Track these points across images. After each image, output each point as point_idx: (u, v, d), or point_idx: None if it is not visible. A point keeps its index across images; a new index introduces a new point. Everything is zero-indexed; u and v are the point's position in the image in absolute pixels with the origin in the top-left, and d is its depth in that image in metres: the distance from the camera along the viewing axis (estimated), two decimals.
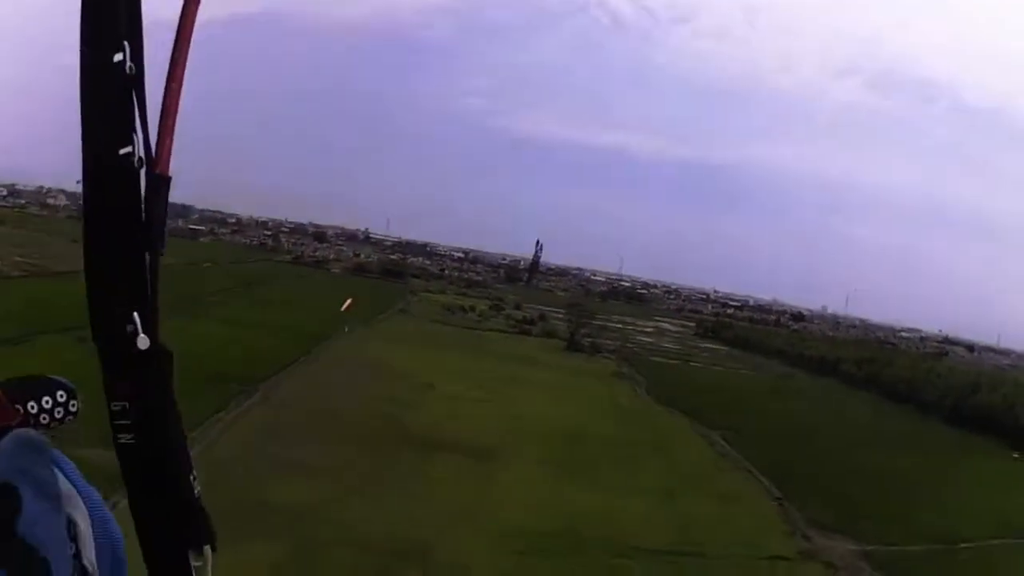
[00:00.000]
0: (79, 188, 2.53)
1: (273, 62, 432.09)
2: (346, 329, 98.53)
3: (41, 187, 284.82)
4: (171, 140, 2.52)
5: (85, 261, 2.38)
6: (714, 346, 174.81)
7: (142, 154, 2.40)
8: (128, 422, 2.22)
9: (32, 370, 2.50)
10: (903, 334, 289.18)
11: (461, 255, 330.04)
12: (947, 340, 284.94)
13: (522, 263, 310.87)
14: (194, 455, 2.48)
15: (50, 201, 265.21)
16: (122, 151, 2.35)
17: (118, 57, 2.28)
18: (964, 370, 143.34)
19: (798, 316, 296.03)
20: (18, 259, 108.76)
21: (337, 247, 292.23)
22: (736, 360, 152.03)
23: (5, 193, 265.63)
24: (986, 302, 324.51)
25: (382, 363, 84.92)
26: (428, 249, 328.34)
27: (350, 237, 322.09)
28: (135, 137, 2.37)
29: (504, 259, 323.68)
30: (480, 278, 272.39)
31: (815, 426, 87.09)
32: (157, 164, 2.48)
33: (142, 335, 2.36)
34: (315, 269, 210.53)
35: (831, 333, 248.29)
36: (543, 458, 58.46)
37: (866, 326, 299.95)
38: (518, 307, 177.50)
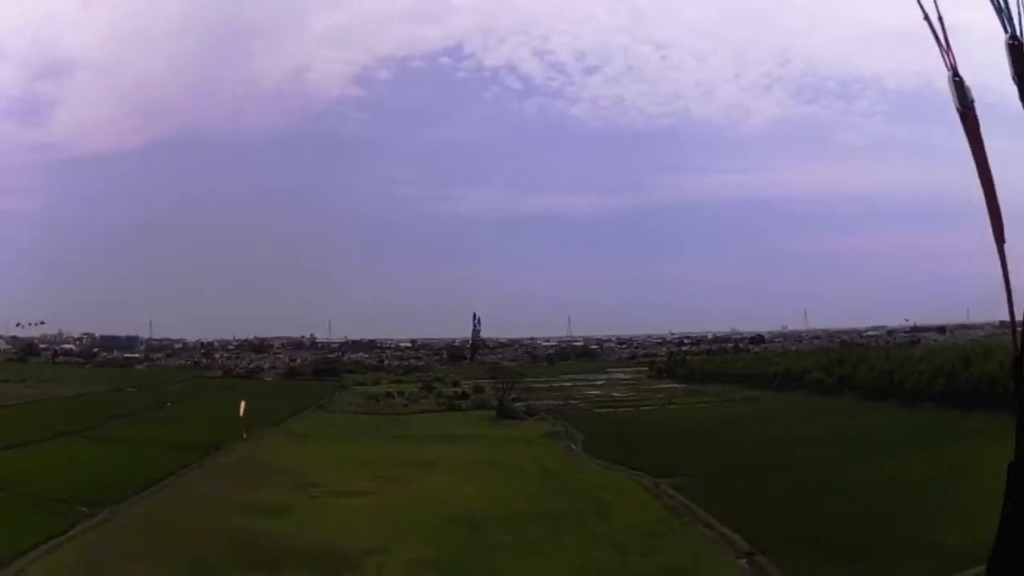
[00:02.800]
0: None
1: (199, 184, 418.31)
2: (244, 435, 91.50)
3: None
4: None
5: None
6: (669, 385, 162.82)
7: None
8: None
9: None
10: (870, 333, 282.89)
11: (408, 345, 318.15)
12: (916, 328, 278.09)
13: (467, 343, 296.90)
14: None
15: None
16: None
17: None
18: (943, 348, 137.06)
19: (757, 339, 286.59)
20: None
21: (275, 356, 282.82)
22: (693, 394, 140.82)
23: None
24: (947, 282, 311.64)
25: (268, 466, 74.61)
26: (376, 345, 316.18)
27: (296, 345, 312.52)
28: None
29: (454, 342, 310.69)
30: (422, 363, 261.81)
31: (787, 447, 74.86)
32: None
33: None
34: (246, 380, 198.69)
35: (794, 348, 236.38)
36: (423, 558, 44.32)
37: (829, 334, 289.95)
38: (455, 384, 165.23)
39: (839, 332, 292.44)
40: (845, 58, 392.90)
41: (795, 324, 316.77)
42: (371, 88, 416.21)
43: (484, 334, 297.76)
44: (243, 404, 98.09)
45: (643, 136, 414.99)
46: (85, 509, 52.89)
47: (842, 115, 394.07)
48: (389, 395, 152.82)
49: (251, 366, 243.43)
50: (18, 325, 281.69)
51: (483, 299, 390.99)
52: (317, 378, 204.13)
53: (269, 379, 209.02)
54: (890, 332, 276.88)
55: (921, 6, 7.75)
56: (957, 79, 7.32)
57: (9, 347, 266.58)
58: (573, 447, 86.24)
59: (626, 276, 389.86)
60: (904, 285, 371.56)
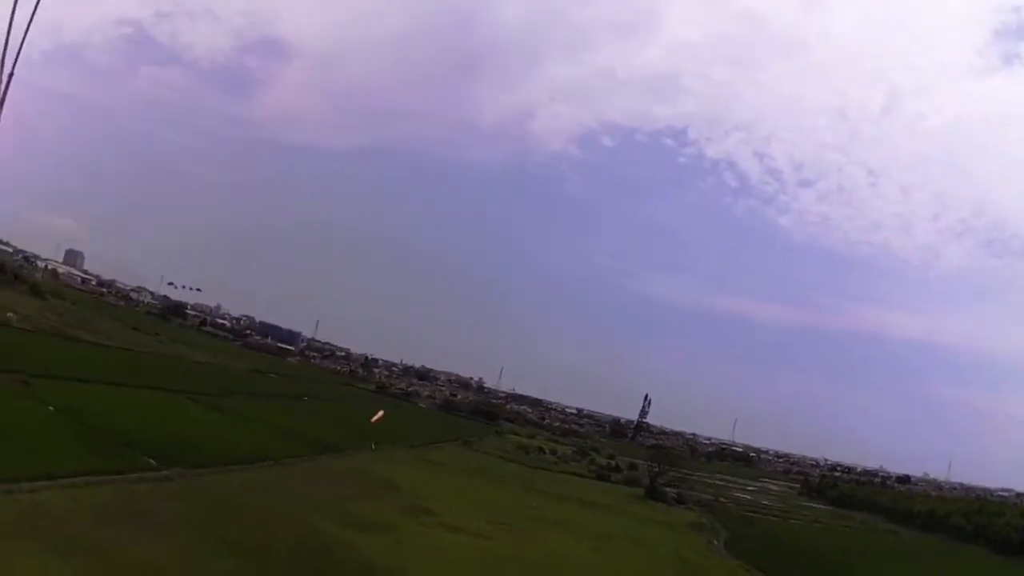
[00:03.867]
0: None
1: (402, 200, 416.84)
2: (372, 446, 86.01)
3: (140, 287, 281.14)
4: None
5: None
6: (818, 505, 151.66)
7: None
8: None
9: None
10: (1000, 494, 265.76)
11: (573, 412, 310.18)
12: None
13: (632, 422, 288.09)
14: None
15: (133, 296, 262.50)
16: None
17: None
18: None
19: (903, 479, 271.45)
20: (44, 320, 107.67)
21: (437, 387, 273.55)
22: (839, 518, 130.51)
23: (95, 282, 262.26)
24: None
25: (383, 481, 66.93)
26: (541, 404, 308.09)
27: (462, 385, 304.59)
28: None
29: (619, 420, 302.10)
30: (583, 430, 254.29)
31: None
32: None
33: None
34: (401, 401, 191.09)
35: (934, 494, 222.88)
36: None
37: (965, 488, 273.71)
38: (611, 457, 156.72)
39: (974, 488, 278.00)
40: None
41: (937, 472, 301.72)
42: (592, 151, 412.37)
43: (648, 419, 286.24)
44: (380, 412, 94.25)
45: (840, 259, 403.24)
46: (152, 461, 47.31)
47: (1020, 275, 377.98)
48: (541, 450, 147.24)
49: (409, 389, 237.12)
50: (170, 284, 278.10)
51: (654, 384, 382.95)
52: (473, 418, 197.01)
53: (423, 406, 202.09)
54: (1019, 495, 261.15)
55: None
56: None
57: (153, 301, 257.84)
58: (714, 543, 78.63)
59: (796, 395, 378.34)
60: None
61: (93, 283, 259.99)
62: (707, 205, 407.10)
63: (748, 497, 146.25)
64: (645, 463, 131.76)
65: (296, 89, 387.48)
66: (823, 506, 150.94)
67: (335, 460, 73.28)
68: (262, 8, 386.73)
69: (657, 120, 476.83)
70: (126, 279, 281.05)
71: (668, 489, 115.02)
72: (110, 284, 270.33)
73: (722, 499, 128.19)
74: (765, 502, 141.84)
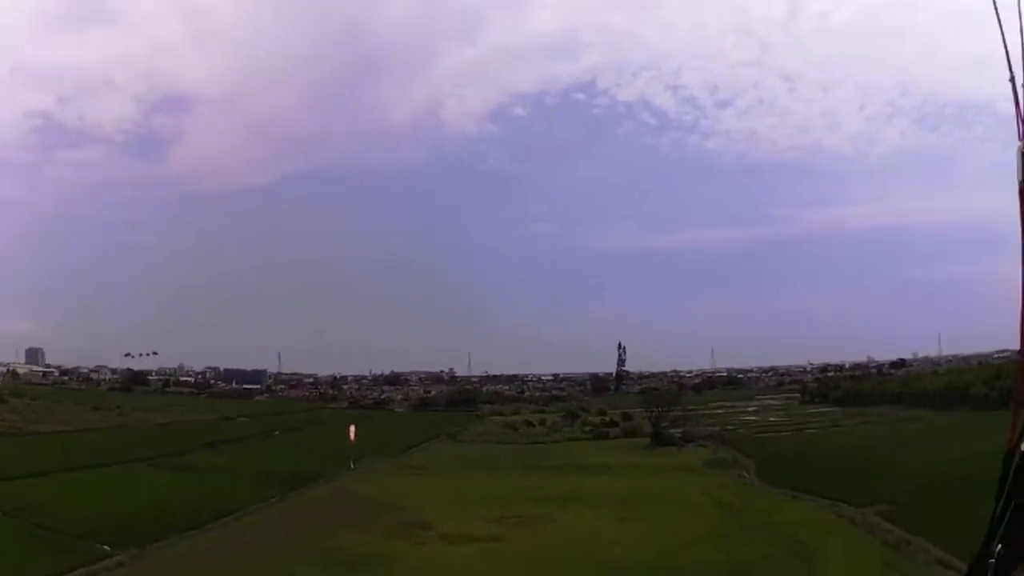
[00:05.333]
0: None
1: (331, 219, 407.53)
2: (352, 465, 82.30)
3: (99, 366, 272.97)
4: None
5: None
6: (825, 409, 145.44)
7: None
8: None
9: None
10: (998, 356, 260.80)
11: (549, 379, 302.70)
12: None
13: (611, 375, 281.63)
14: None
15: (93, 376, 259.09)
16: None
17: None
18: None
19: (898, 363, 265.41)
20: (7, 422, 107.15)
21: (409, 388, 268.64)
22: (853, 416, 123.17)
23: (57, 374, 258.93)
24: None
25: (368, 502, 61.19)
26: (517, 380, 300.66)
27: (434, 380, 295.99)
28: None
29: (597, 375, 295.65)
30: (564, 393, 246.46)
31: (985, 465, 56.30)
32: None
33: None
34: (375, 411, 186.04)
35: (933, 370, 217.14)
36: None
37: (961, 359, 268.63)
38: (601, 413, 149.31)
39: (971, 356, 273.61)
40: (960, 85, 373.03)
41: (927, 350, 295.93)
42: (507, 125, 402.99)
43: (627, 367, 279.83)
44: (352, 428, 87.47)
45: (774, 168, 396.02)
46: (106, 548, 43.39)
47: (961, 142, 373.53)
48: (528, 424, 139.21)
49: (381, 397, 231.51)
50: (127, 355, 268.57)
51: (624, 334, 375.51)
52: (451, 409, 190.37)
53: (400, 410, 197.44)
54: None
55: (1009, 64, 6.24)
56: None
57: (115, 376, 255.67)
58: (745, 476, 71.23)
59: (763, 308, 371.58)
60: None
61: (55, 375, 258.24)
62: (631, 148, 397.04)
63: (753, 418, 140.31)
64: (644, 411, 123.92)
65: (207, 137, 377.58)
66: (831, 408, 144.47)
67: (314, 490, 68.00)
68: (157, 68, 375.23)
69: (564, 79, 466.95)
70: (87, 363, 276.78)
71: (673, 431, 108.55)
72: (72, 371, 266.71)
73: (729, 426, 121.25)
74: (772, 419, 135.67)
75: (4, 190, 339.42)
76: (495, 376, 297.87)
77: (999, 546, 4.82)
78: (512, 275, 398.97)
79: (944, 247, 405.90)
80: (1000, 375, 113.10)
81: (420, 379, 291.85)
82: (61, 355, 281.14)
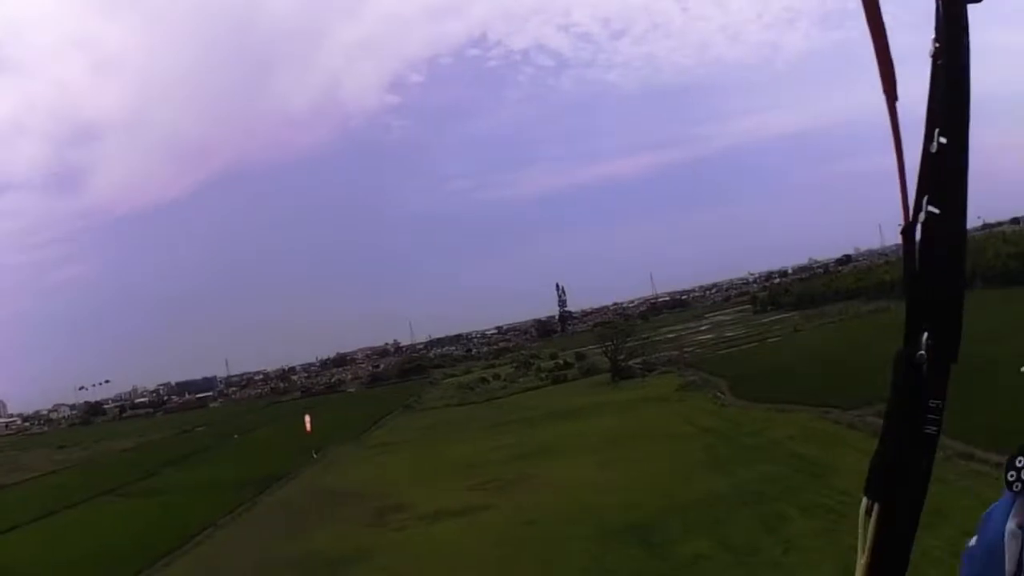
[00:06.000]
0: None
1: (252, 216, 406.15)
2: (314, 455, 79.58)
3: (57, 404, 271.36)
4: None
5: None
6: (780, 316, 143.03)
7: None
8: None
9: None
10: None
11: (494, 332, 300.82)
12: (987, 225, 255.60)
13: (554, 317, 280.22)
14: None
15: (53, 416, 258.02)
16: None
17: None
18: None
19: (843, 260, 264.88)
20: None
21: (358, 367, 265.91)
22: (813, 319, 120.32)
23: (19, 422, 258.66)
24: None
25: (337, 492, 58.35)
26: (462, 338, 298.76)
27: (380, 354, 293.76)
28: None
29: (541, 320, 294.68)
30: (512, 344, 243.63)
31: (971, 348, 53.32)
32: None
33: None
34: (328, 396, 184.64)
35: (883, 261, 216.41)
36: None
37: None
38: (553, 356, 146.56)
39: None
40: None
41: (869, 243, 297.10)
42: (406, 93, 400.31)
43: (569, 307, 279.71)
44: (308, 418, 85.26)
45: (682, 89, 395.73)
46: None
47: (864, 35, 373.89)
48: (484, 380, 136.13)
49: (332, 381, 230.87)
50: (81, 388, 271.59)
51: (560, 275, 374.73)
52: (403, 380, 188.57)
53: (352, 390, 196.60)
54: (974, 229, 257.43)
55: None
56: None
57: (74, 412, 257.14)
58: (720, 395, 68.13)
59: (694, 227, 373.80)
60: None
61: (18, 423, 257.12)
62: (535, 94, 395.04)
63: (710, 336, 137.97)
64: (599, 347, 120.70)
65: (120, 161, 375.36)
66: (787, 314, 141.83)
67: (282, 489, 64.93)
68: (61, 103, 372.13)
69: (455, 37, 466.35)
70: (45, 404, 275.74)
71: (633, 363, 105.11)
72: (34, 416, 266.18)
73: (686, 349, 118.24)
74: (729, 334, 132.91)
75: None
76: (439, 339, 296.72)
77: None
78: (439, 237, 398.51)
79: (868, 139, 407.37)
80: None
81: (367, 356, 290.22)
82: (21, 403, 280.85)
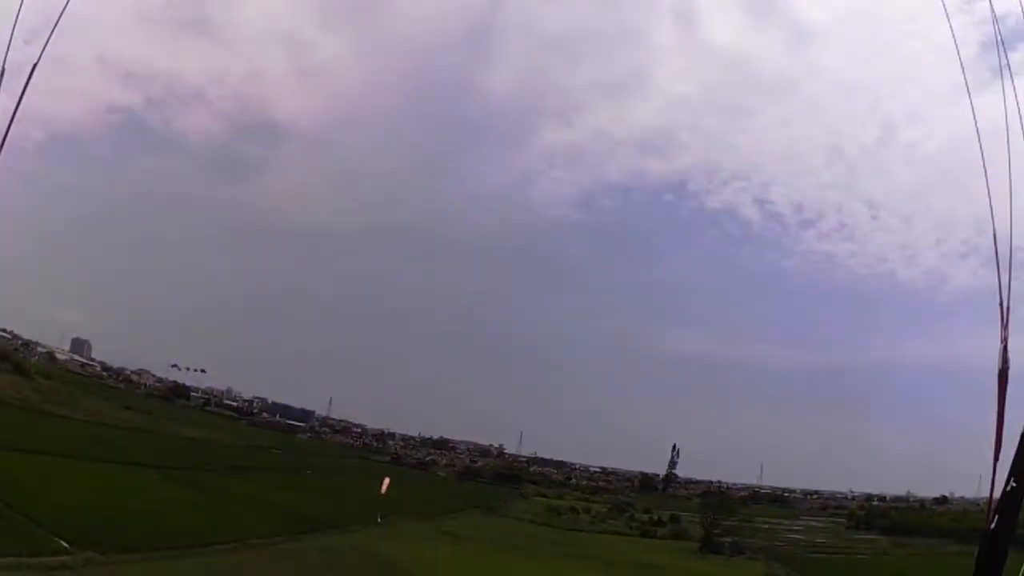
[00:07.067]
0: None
1: (407, 276, 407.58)
2: (379, 519, 79.37)
3: (142, 370, 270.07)
4: None
5: None
6: (872, 536, 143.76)
7: None
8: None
9: None
10: None
11: (598, 470, 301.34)
12: None
13: (659, 476, 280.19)
14: None
15: (134, 378, 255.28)
16: None
17: None
18: None
19: (940, 500, 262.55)
20: (19, 395, 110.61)
21: (456, 455, 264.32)
22: (901, 547, 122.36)
23: (99, 368, 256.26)
24: None
25: (386, 564, 58.98)
26: (564, 466, 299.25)
27: (482, 452, 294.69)
28: None
29: (645, 474, 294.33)
30: (611, 486, 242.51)
31: None
32: None
33: None
34: (416, 471, 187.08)
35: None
36: None
37: None
38: (648, 511, 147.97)
39: None
40: None
41: (964, 491, 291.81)
42: (593, 213, 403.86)
43: (676, 471, 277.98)
44: (387, 481, 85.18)
45: (848, 296, 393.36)
46: (64, 543, 41.90)
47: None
48: (574, 510, 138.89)
49: (425, 459, 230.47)
50: (173, 366, 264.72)
51: (674, 438, 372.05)
52: (496, 483, 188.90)
53: (442, 475, 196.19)
54: None
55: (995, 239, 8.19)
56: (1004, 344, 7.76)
57: (158, 384, 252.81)
58: None
59: (815, 431, 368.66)
60: None
61: (96, 369, 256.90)
62: (713, 256, 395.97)
63: (800, 537, 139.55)
64: (699, 515, 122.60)
65: (291, 172, 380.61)
66: (878, 536, 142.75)
67: (329, 537, 65.99)
68: (253, 91, 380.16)
69: (655, 176, 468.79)
70: (132, 365, 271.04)
71: (724, 540, 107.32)
72: (115, 371, 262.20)
73: (776, 542, 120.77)
74: (820, 540, 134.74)
75: (79, 181, 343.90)
76: (543, 459, 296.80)
77: None
78: (575, 362, 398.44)
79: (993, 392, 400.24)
80: None
81: (468, 449, 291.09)
82: (108, 353, 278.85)
